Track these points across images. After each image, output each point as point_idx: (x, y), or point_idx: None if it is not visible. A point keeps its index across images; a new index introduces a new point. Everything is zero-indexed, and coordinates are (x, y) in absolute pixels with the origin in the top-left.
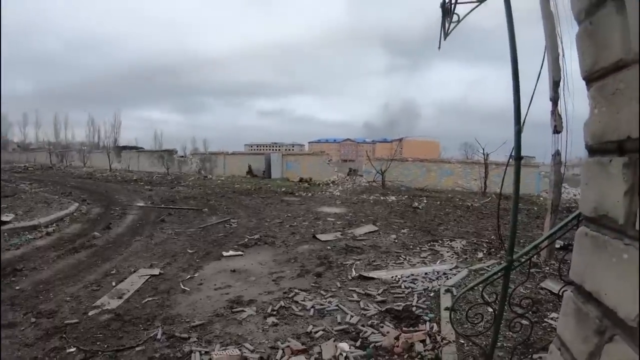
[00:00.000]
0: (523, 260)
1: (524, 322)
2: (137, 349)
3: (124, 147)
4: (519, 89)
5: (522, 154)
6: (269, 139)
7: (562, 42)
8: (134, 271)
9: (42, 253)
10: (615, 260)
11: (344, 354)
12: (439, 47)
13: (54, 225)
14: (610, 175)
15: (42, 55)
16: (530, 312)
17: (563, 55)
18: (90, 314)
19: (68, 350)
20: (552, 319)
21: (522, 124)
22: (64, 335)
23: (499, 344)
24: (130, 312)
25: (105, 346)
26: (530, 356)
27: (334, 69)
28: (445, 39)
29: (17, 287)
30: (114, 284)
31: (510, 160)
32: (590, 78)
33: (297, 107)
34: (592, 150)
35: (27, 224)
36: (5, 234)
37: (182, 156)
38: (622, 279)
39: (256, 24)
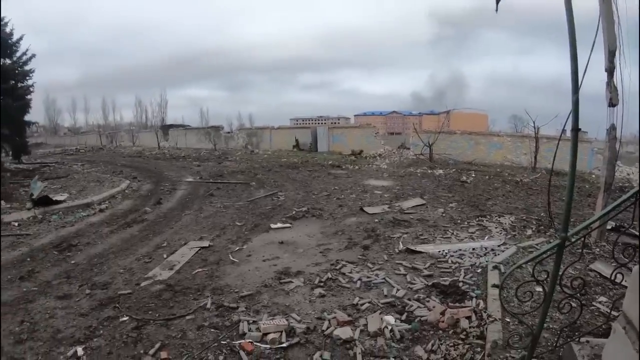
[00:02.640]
0: (574, 239)
1: (573, 303)
2: (188, 317)
3: (171, 126)
4: (576, 55)
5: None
6: (315, 112)
7: (617, 9)
8: (184, 244)
9: (95, 229)
10: None
11: (390, 327)
12: (497, 10)
13: (107, 202)
14: None
15: (88, 44)
16: (579, 294)
17: (619, 23)
18: (142, 284)
19: (121, 319)
20: (600, 302)
21: (575, 96)
22: (117, 305)
23: (545, 325)
24: (180, 283)
25: (157, 315)
26: (577, 339)
27: (380, 42)
28: (497, 3)
29: (72, 262)
30: (165, 256)
31: (564, 133)
32: None
33: (343, 80)
34: None
35: (80, 202)
36: (60, 212)
37: (229, 132)
38: None
39: (302, 7)
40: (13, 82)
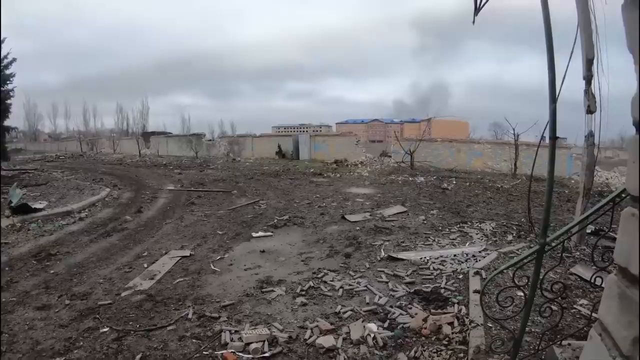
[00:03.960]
0: (554, 244)
1: (554, 307)
2: (169, 328)
3: (153, 133)
4: (554, 65)
5: (557, 135)
6: (297, 120)
7: (595, 18)
8: (165, 253)
9: (75, 237)
10: None
11: (372, 335)
12: (473, 22)
13: (87, 210)
14: None
15: (73, 47)
16: (559, 298)
17: (597, 32)
18: (122, 295)
19: (101, 330)
20: (581, 305)
21: (552, 105)
22: (98, 316)
23: (527, 329)
24: (161, 293)
25: (138, 326)
26: (559, 342)
27: (363, 50)
28: (477, 13)
29: (51, 271)
30: (145, 265)
31: (542, 140)
32: None
33: (326, 89)
34: None
35: (60, 210)
36: (39, 220)
37: (210, 140)
38: None
39: (287, 11)
40: None
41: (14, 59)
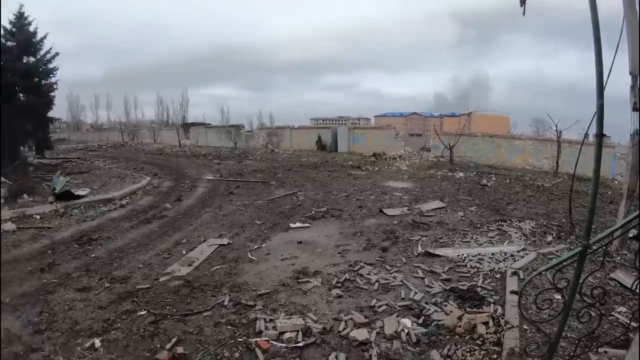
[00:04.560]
0: (596, 247)
1: (592, 313)
2: (205, 314)
3: (192, 124)
4: (601, 59)
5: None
6: (336, 113)
7: None
8: (204, 241)
9: (116, 224)
10: None
11: (406, 330)
12: (524, 13)
13: (128, 198)
14: None
15: (113, 42)
16: (598, 304)
17: None
18: (161, 280)
19: (139, 313)
20: (619, 312)
21: (600, 101)
22: (136, 300)
23: (562, 333)
24: (199, 279)
25: (174, 310)
26: (595, 349)
27: (402, 43)
28: (523, 4)
29: (92, 255)
30: (184, 252)
31: (586, 138)
32: None
33: (365, 81)
34: None
35: (102, 197)
36: (82, 206)
37: (249, 131)
38: None
39: (326, 2)
40: (37, 79)
41: (57, 53)
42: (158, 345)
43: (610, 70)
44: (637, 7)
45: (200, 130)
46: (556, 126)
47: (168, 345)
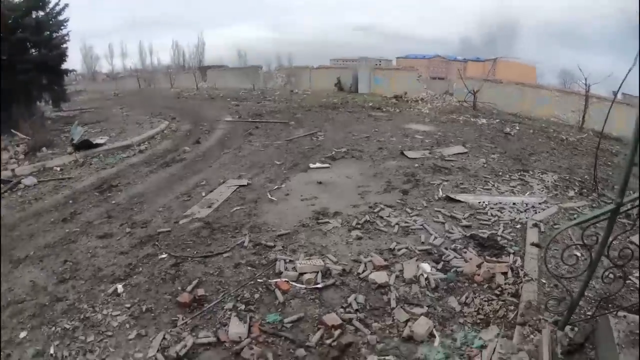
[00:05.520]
0: (628, 208)
1: (613, 274)
2: (225, 255)
3: (209, 67)
4: None
5: (628, 92)
6: (357, 53)
7: None
8: (223, 182)
9: (135, 169)
10: None
11: (425, 275)
12: None
13: (146, 143)
14: None
15: None
16: (624, 266)
17: None
18: (181, 222)
19: (160, 257)
20: (638, 278)
21: None
22: (157, 243)
23: None
24: (218, 221)
25: (195, 252)
26: (615, 313)
27: None
28: None
29: (113, 202)
30: (203, 194)
31: (618, 95)
32: None
33: (390, 22)
34: None
35: (120, 144)
36: (101, 154)
37: (268, 72)
38: None
39: None
40: (48, 32)
41: (66, 5)
42: (179, 288)
43: None
44: None
45: (217, 73)
46: (585, 80)
47: (189, 288)
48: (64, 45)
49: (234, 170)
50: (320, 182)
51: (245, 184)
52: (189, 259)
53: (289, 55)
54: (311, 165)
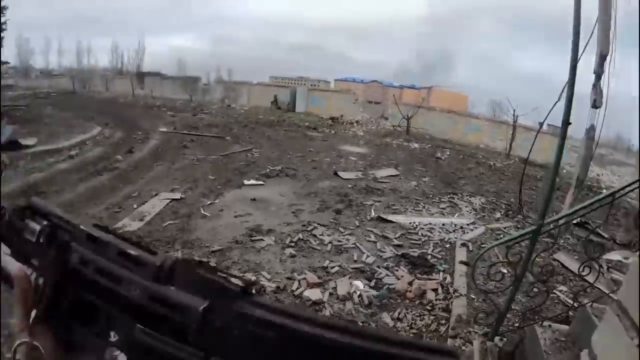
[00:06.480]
0: (550, 228)
1: (537, 289)
2: None
3: (147, 73)
4: (577, 49)
5: (553, 123)
6: (296, 73)
7: (615, 16)
8: (156, 195)
9: (64, 176)
10: None
11: (358, 292)
12: None
13: (77, 148)
14: None
15: None
16: (545, 281)
17: (615, 30)
18: None
19: None
20: (560, 291)
21: (570, 91)
22: None
23: None
24: (150, 234)
25: None
26: (540, 322)
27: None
28: None
29: None
30: (135, 206)
31: (543, 127)
32: None
33: (329, 44)
34: None
35: (50, 148)
36: (29, 157)
37: (206, 84)
38: None
39: None
40: None
41: None
42: None
43: (575, 65)
44: (612, 11)
45: (155, 81)
46: (514, 111)
47: None
48: (1, 34)
49: (167, 183)
50: (254, 199)
51: (179, 197)
52: None
53: (228, 69)
54: (245, 182)
